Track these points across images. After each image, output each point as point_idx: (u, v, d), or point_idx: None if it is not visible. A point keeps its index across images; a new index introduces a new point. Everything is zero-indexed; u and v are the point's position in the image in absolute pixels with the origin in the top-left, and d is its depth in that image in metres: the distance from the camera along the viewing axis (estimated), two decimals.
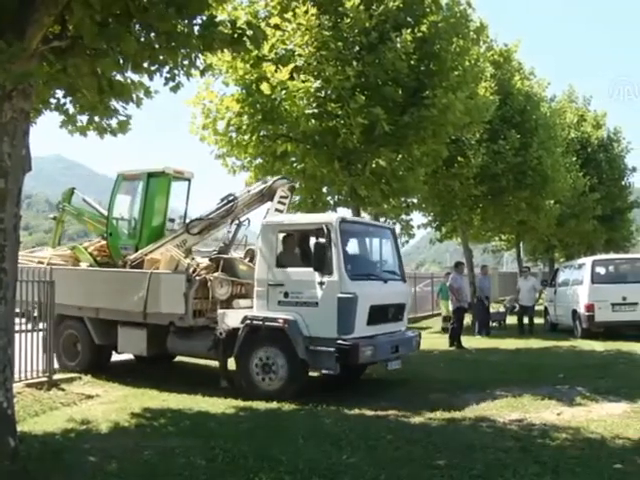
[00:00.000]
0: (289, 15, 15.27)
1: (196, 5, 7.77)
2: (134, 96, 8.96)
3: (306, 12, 15.02)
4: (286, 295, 12.21)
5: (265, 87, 14.88)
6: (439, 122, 16.02)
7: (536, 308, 25.02)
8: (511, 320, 25.67)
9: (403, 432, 9.17)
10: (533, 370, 14.47)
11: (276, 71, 14.95)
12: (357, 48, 15.40)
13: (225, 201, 14.16)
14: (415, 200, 22.15)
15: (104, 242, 15.44)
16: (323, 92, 15.25)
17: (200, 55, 8.73)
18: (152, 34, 7.96)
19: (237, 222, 14.36)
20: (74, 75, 8.05)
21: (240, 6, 15.80)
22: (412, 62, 15.60)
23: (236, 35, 8.43)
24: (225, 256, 13.91)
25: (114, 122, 9.30)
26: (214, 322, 12.87)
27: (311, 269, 11.97)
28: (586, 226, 37.25)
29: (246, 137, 16.06)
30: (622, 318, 20.32)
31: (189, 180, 15.68)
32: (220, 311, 12.79)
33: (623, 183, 40.83)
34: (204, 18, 8.15)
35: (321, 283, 11.87)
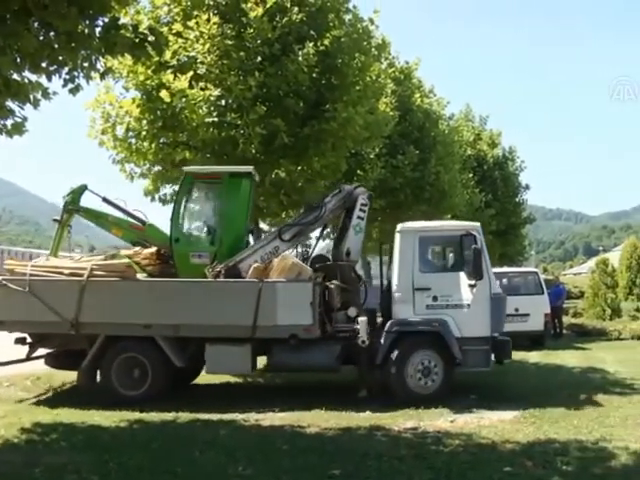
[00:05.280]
0: (192, 23, 15.14)
1: (98, 5, 7.65)
2: (31, 97, 8.73)
3: (208, 20, 14.94)
4: (435, 299, 12.72)
5: (164, 95, 14.68)
6: (339, 135, 16.14)
7: None
8: None
9: (299, 442, 9.27)
10: None
11: (175, 79, 14.77)
12: (259, 59, 15.33)
13: (313, 207, 14.06)
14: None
15: (151, 250, 14.10)
16: (223, 101, 15.16)
17: (101, 57, 8.59)
18: (52, 33, 7.81)
19: (322, 228, 14.49)
20: None
21: (143, 10, 15.63)
22: (314, 75, 15.65)
23: (138, 40, 8.36)
24: (341, 263, 13.64)
25: (9, 123, 9.05)
26: (340, 331, 12.78)
27: (459, 273, 12.86)
28: None
29: (145, 144, 15.76)
30: (514, 328, 20.88)
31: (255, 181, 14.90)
32: (362, 319, 12.58)
33: (517, 200, 42.12)
34: (106, 20, 8.04)
35: (471, 286, 12.67)
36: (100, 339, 12.63)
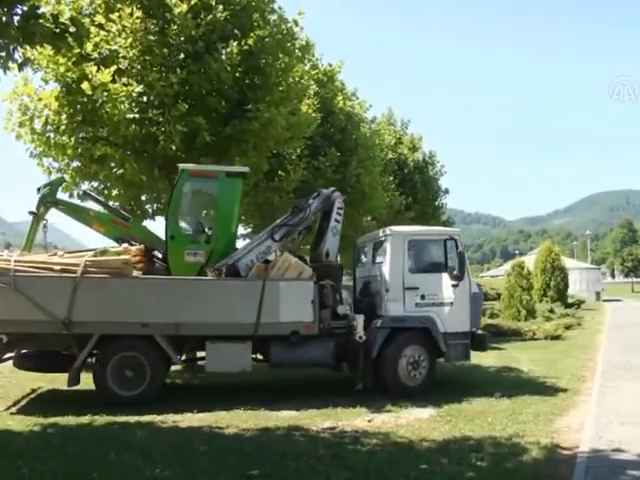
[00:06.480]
0: (114, 16, 14.95)
1: None
2: None
3: (131, 14, 14.80)
4: (423, 297, 13.83)
5: (86, 86, 14.45)
6: (261, 135, 16.17)
7: None
8: None
9: (217, 443, 9.30)
10: (345, 380, 14.89)
11: (98, 72, 14.56)
12: (182, 56, 15.26)
13: (299, 209, 14.49)
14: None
15: (141, 247, 13.77)
16: (145, 97, 14.98)
17: (19, 47, 8.40)
18: None
19: (305, 229, 14.98)
20: None
21: (64, 0, 15.35)
22: (237, 74, 15.69)
23: (58, 30, 8.18)
24: (333, 263, 14.35)
25: None
26: (335, 328, 13.42)
27: (443, 273, 14.04)
28: None
29: (64, 138, 15.49)
30: None
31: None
32: (358, 316, 13.39)
33: (436, 203, 42.44)
34: (25, 8, 7.83)
35: (454, 285, 13.89)
36: (94, 338, 12.21)
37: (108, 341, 12.43)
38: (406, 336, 13.61)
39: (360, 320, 13.25)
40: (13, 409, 12.16)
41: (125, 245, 13.85)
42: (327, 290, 13.47)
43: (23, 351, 13.06)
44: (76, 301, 12.01)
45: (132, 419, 10.82)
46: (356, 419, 11.08)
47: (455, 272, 13.96)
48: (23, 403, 12.82)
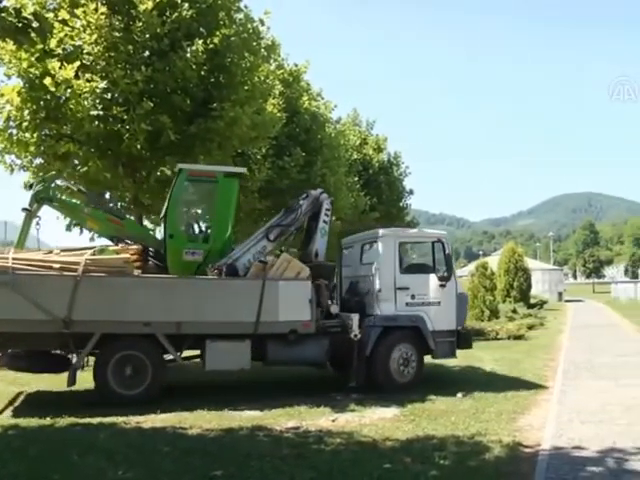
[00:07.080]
0: (79, 11, 14.81)
1: None
2: None
3: (96, 10, 14.68)
4: (413, 297, 14.33)
5: (49, 82, 14.30)
6: (226, 135, 16.12)
7: None
8: None
9: (180, 443, 9.22)
10: (310, 380, 14.93)
11: (61, 68, 14.40)
12: (147, 53, 15.18)
13: (291, 210, 14.65)
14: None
15: (138, 245, 13.75)
16: (109, 94, 14.83)
17: None
18: None
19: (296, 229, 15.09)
20: None
21: None
22: (202, 73, 15.64)
23: (21, 25, 8.08)
24: (327, 263, 14.63)
25: None
26: (329, 327, 13.80)
27: (431, 274, 14.66)
28: None
29: (27, 134, 15.28)
30: None
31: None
32: (353, 315, 13.66)
33: (401, 204, 42.59)
34: None
35: (442, 285, 14.51)
36: (95, 337, 12.08)
37: (108, 340, 12.35)
38: (397, 334, 14.09)
39: (355, 319, 13.54)
40: None
41: (122, 245, 13.87)
42: (322, 289, 13.76)
43: (10, 351, 12.93)
44: (77, 300, 11.85)
45: (94, 420, 10.69)
46: (320, 419, 11.07)
47: (442, 273, 14.63)
48: None
